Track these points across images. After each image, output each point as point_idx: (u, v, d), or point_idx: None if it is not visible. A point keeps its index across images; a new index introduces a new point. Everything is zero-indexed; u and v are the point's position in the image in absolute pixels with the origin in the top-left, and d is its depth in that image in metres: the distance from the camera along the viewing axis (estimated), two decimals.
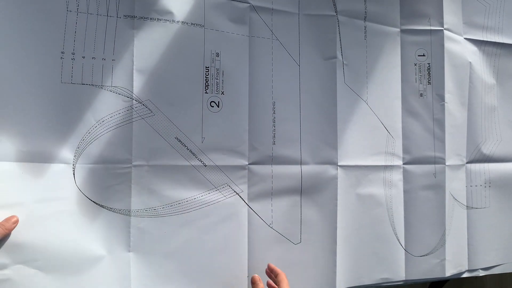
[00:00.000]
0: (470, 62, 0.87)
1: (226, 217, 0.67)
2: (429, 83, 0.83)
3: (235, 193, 0.68)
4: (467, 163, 0.87)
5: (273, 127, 0.71)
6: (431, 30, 0.83)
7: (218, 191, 0.67)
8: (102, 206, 0.61)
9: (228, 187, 0.68)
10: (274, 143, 0.71)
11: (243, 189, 0.69)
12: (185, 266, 0.64)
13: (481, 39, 0.89)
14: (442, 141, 0.82)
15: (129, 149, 0.62)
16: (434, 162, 0.82)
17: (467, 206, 0.86)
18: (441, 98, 0.83)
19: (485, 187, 0.89)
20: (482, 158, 0.88)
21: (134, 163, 0.62)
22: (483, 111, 0.89)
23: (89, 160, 0.60)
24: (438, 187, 0.82)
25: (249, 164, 0.69)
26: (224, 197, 0.68)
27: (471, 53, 0.87)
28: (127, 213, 0.62)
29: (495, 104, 0.90)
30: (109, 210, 0.61)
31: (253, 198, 0.70)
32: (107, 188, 0.61)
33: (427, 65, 0.83)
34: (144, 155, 0.63)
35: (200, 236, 0.65)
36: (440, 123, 0.82)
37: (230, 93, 0.68)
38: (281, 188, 0.71)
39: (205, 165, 0.66)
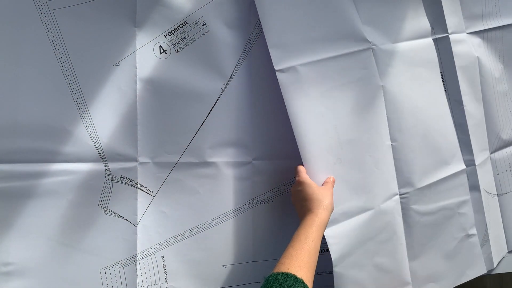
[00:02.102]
0: (477, 57, 0.88)
1: None
2: (446, 91, 0.85)
3: None
4: (491, 154, 0.91)
5: None
6: (436, 39, 0.84)
7: None
8: None
9: None
10: None
11: None
12: None
13: (483, 28, 0.90)
14: (468, 144, 0.85)
15: None
16: (465, 166, 0.85)
17: (497, 194, 0.92)
18: (459, 102, 0.85)
19: (511, 171, 0.94)
20: (503, 144, 0.93)
21: None
22: (496, 99, 0.92)
23: None
24: (473, 189, 0.86)
25: None
26: None
27: (477, 46, 0.89)
28: None
29: (506, 88, 0.93)
30: None
31: None
32: None
33: (440, 74, 0.85)
34: None
35: None
36: (462, 127, 0.85)
37: None
38: None
39: None
